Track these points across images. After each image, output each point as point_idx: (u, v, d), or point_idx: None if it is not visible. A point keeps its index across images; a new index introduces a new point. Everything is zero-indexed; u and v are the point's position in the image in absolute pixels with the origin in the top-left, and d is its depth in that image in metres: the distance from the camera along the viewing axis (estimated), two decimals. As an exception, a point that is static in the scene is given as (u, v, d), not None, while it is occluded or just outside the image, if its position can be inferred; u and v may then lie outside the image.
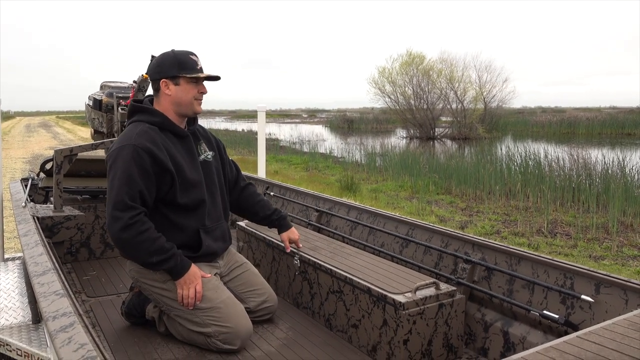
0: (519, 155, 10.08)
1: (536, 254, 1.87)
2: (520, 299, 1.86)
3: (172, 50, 2.09)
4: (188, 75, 2.02)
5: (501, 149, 12.01)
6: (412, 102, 24.00)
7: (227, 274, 2.22)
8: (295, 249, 2.38)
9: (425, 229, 2.34)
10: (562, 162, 9.46)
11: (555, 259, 1.81)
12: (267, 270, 2.65)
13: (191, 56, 2.06)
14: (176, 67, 2.02)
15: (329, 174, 11.02)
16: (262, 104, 4.92)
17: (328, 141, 20.95)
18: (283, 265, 2.51)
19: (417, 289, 1.84)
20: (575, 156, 9.52)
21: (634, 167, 8.31)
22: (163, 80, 2.03)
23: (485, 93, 24.21)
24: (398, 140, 21.98)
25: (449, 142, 21.58)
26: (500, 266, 1.96)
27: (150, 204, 1.95)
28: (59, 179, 2.79)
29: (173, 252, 1.93)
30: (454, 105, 23.85)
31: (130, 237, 1.85)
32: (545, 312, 1.73)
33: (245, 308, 2.11)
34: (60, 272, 1.58)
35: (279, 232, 2.39)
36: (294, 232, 2.40)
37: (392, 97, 24.83)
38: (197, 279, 1.97)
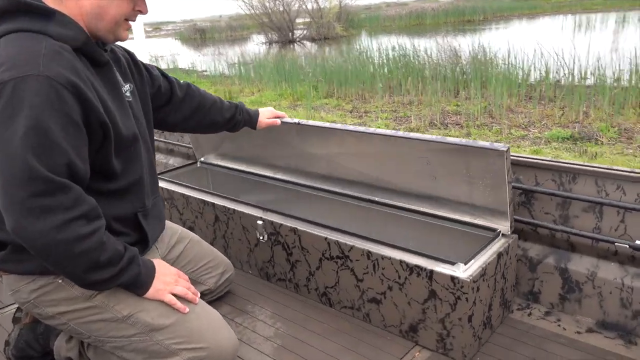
0: (391, 51, 10.01)
1: (598, 165, 1.47)
2: (580, 226, 1.49)
3: None
4: None
5: (370, 46, 11.88)
6: (267, 4, 22.83)
7: (167, 253, 1.63)
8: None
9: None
10: (429, 52, 9.59)
11: (635, 169, 1.43)
12: (208, 236, 2.05)
13: None
14: None
15: (198, 91, 10.09)
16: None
17: (184, 55, 19.31)
18: (234, 227, 1.93)
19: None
20: (443, 45, 9.70)
21: (497, 51, 8.66)
22: None
23: (338, -11, 23.77)
24: (257, 46, 20.99)
25: (308, 44, 21.13)
26: (547, 187, 1.57)
27: (86, 178, 1.22)
28: None
29: (131, 253, 1.29)
30: (309, 5, 23.18)
31: (72, 238, 1.15)
32: (623, 240, 1.39)
33: (205, 291, 1.62)
34: None
35: (254, 128, 1.85)
36: (266, 112, 1.88)
37: (245, 1, 23.36)
38: (167, 267, 1.39)
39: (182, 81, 1.75)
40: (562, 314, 1.55)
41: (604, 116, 5.65)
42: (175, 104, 1.67)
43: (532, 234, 1.63)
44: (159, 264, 1.36)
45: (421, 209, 1.72)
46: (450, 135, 5.58)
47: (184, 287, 1.36)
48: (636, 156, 4.64)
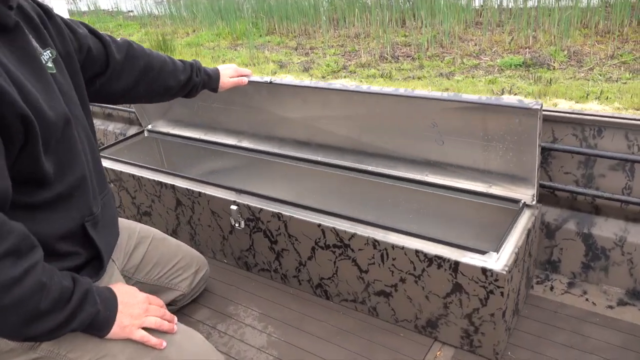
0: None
1: (630, 116, 1.27)
2: (607, 187, 1.32)
3: None
4: None
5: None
6: None
7: (127, 261, 1.35)
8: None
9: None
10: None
11: None
12: (170, 223, 1.75)
13: None
14: None
15: (127, 34, 9.28)
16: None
17: (103, -6, 17.71)
18: (201, 212, 1.64)
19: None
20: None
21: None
22: None
23: None
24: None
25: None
26: (566, 143, 1.36)
27: (7, 197, 0.91)
28: None
29: (82, 287, 1.00)
30: None
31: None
32: None
33: (178, 297, 1.40)
34: None
35: (216, 90, 1.55)
36: (228, 71, 1.59)
37: None
38: (133, 295, 1.11)
39: (119, 39, 1.41)
40: (587, 284, 1.43)
41: (552, 39, 5.59)
42: (114, 70, 1.34)
43: (550, 196, 1.45)
44: (122, 292, 1.09)
45: (425, 179, 1.49)
46: (403, 69, 5.38)
47: (156, 316, 1.10)
48: (588, 80, 4.64)
